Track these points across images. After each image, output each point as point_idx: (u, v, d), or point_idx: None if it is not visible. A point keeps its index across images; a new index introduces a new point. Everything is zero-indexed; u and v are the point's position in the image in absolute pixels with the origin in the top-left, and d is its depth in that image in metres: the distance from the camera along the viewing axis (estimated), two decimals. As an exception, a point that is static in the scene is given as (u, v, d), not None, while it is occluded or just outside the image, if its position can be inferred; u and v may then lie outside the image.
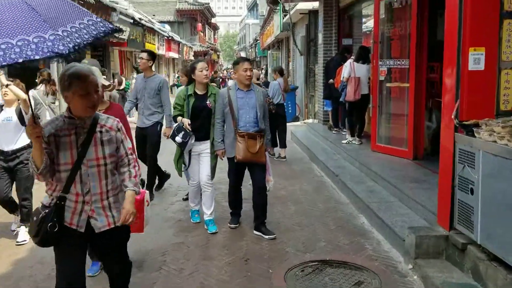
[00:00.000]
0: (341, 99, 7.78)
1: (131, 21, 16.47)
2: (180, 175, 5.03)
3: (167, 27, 32.24)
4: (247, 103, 4.50)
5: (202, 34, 42.24)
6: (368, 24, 9.87)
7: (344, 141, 7.80)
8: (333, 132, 9.10)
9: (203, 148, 4.70)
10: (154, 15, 38.84)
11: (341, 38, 10.03)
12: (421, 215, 4.35)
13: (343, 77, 7.56)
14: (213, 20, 56.61)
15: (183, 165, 4.85)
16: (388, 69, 6.65)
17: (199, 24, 39.96)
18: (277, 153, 8.31)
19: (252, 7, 61.98)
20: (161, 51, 24.29)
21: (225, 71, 40.17)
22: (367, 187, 5.57)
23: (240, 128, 4.46)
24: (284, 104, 8.57)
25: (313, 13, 12.85)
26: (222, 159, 4.75)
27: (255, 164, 4.52)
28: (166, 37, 25.38)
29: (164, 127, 5.76)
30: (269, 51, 26.33)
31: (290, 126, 13.53)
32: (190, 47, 35.50)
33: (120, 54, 18.98)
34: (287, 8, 15.14)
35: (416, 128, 6.20)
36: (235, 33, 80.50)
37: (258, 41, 34.55)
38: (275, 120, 7.64)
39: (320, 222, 4.90)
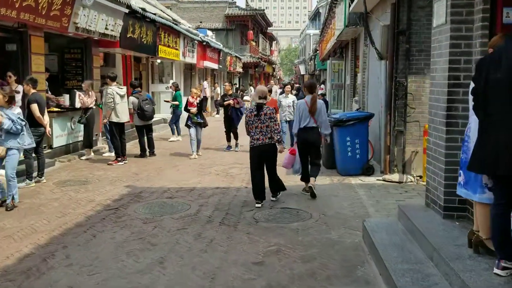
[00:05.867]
0: None
1: (126, 10, 11.28)
2: None
3: (209, 33, 27.41)
4: None
5: (254, 43, 37.04)
6: None
7: None
8: (500, 272, 3.03)
9: None
10: (201, 22, 34.46)
11: (500, 8, 4.06)
12: None
13: None
14: (272, 32, 51.58)
15: None
16: None
17: (250, 32, 34.78)
18: None
19: (314, 17, 56.07)
20: (190, 59, 19.09)
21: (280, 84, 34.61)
22: None
23: None
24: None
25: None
26: None
27: None
28: (199, 42, 20.17)
29: None
30: (328, 61, 20.36)
31: (359, 188, 7.10)
32: (236, 57, 30.29)
33: (124, 60, 13.97)
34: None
35: None
36: (296, 47, 75.14)
37: (317, 52, 28.78)
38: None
39: None
